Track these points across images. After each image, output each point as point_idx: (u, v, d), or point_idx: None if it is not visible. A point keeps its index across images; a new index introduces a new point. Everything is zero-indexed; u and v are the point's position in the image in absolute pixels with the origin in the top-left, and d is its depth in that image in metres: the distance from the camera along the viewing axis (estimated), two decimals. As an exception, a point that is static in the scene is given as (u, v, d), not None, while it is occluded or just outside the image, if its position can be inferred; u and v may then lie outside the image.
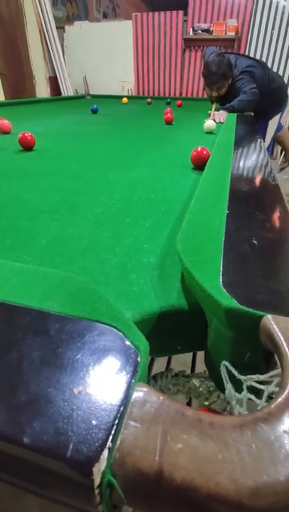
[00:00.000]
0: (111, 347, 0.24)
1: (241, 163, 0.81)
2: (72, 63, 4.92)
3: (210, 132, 1.51)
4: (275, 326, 0.26)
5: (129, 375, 0.21)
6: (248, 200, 0.55)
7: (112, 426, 0.18)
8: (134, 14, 4.38)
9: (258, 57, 4.02)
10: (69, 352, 0.23)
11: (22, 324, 0.26)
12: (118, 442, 0.18)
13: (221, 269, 0.34)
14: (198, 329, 0.37)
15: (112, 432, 0.18)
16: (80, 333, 0.25)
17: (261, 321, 0.27)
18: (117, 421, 0.18)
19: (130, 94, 4.62)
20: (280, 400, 0.20)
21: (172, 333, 0.38)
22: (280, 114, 2.36)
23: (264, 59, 4.02)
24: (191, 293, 0.37)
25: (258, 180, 0.69)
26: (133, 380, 0.21)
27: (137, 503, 0.17)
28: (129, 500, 0.17)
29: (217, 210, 0.50)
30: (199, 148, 0.96)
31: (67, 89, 4.81)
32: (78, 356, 0.23)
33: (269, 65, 3.95)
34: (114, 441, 0.18)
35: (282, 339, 0.25)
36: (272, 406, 0.20)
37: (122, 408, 0.19)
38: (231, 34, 3.95)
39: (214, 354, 0.35)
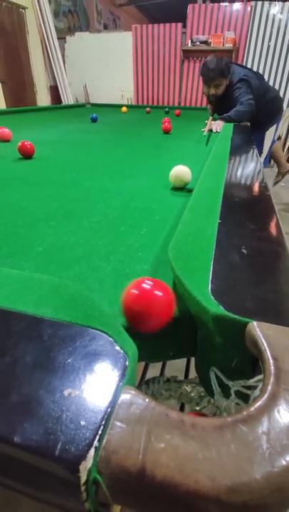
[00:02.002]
0: (101, 351, 0.25)
1: (235, 173, 0.83)
2: (73, 72, 5.00)
3: (181, 187, 0.86)
4: (259, 332, 0.27)
5: (117, 379, 0.22)
6: (240, 210, 0.57)
7: (99, 426, 0.19)
8: (134, 26, 4.48)
9: (255, 68, 4.11)
10: (61, 356, 0.24)
11: (17, 329, 0.28)
12: (104, 442, 0.18)
13: (211, 277, 0.35)
14: (189, 336, 0.38)
15: (99, 432, 0.19)
16: (72, 338, 0.26)
17: (247, 327, 0.29)
18: (104, 422, 0.19)
19: (129, 103, 4.69)
20: (259, 403, 0.21)
21: (164, 340, 0.39)
22: (276, 125, 2.40)
23: (261, 70, 4.11)
24: (182, 300, 0.38)
25: (250, 190, 0.70)
26: (121, 383, 0.22)
27: (121, 499, 0.18)
28: (114, 496, 0.18)
29: (209, 220, 0.51)
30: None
31: (67, 98, 4.88)
32: (69, 360, 0.24)
33: (266, 76, 4.05)
34: (100, 440, 0.19)
35: (266, 345, 0.26)
36: (252, 409, 0.21)
37: (109, 409, 0.20)
38: (229, 46, 4.04)
39: (204, 360, 0.36)
